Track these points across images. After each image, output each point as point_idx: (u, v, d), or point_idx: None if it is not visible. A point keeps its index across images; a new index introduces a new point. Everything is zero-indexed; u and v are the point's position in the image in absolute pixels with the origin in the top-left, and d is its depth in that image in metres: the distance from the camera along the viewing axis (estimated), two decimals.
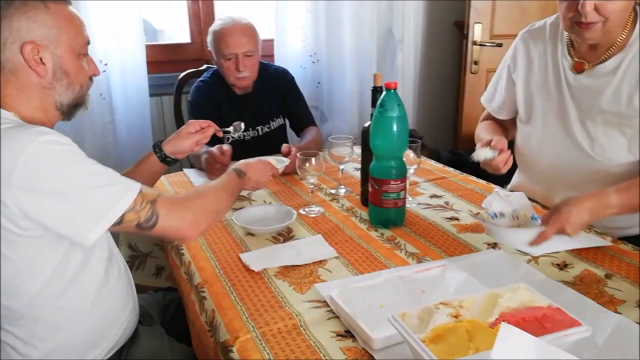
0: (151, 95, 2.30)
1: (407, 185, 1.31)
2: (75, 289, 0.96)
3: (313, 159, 1.34)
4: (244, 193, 1.51)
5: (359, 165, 1.43)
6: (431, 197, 1.48)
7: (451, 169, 1.72)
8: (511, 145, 1.39)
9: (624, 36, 1.21)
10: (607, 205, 1.05)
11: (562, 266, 1.07)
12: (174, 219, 0.95)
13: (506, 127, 1.55)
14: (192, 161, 1.84)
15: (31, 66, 0.93)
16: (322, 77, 2.58)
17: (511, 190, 1.51)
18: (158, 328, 1.14)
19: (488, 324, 0.75)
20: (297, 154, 1.37)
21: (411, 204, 1.41)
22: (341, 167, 1.49)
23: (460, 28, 2.70)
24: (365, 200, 1.39)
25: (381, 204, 1.25)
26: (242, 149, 1.68)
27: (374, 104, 1.26)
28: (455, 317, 0.77)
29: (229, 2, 2.63)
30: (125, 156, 2.26)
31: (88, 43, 1.02)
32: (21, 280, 0.92)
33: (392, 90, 1.20)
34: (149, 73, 2.25)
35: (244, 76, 1.87)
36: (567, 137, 1.33)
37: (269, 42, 2.39)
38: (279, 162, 1.37)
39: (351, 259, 1.13)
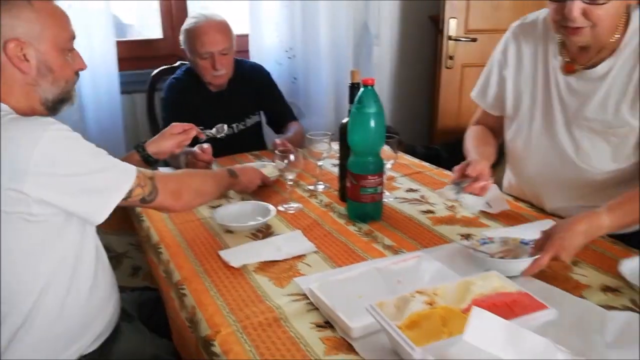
0: (122, 92, 2.25)
1: (384, 180, 1.33)
2: (70, 281, 0.98)
3: (292, 156, 1.35)
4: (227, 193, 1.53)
5: (337, 161, 1.44)
6: (407, 191, 1.51)
7: (427, 164, 1.76)
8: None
9: (617, 37, 1.16)
10: (599, 226, 1.03)
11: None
12: (168, 193, 1.07)
13: (497, 130, 1.48)
14: (169, 161, 1.83)
15: (14, 63, 0.93)
16: (298, 72, 2.58)
17: (505, 191, 1.49)
18: (138, 324, 1.15)
19: (461, 310, 0.78)
20: (276, 151, 1.39)
21: (388, 198, 1.43)
22: (319, 163, 1.51)
23: (436, 23, 2.72)
24: (343, 196, 1.41)
25: (359, 198, 1.27)
26: (217, 147, 1.68)
27: (351, 101, 1.28)
28: (430, 304, 0.80)
29: None
30: None
31: (73, 38, 1.04)
32: (25, 266, 0.95)
33: (370, 87, 1.22)
34: (119, 70, 2.21)
35: (220, 74, 1.87)
36: (552, 141, 1.30)
37: (244, 38, 2.38)
38: (273, 171, 1.42)
39: (330, 253, 1.15)
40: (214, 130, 1.60)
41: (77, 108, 2.16)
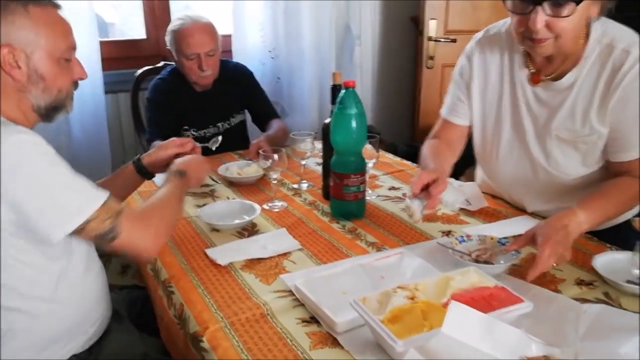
0: (106, 92, 2.25)
1: (367, 179, 1.37)
2: (60, 283, 0.98)
3: (276, 155, 1.37)
4: (205, 189, 1.54)
5: (321, 160, 1.47)
6: (390, 189, 1.55)
7: (409, 162, 1.80)
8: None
9: (579, 46, 1.17)
10: (579, 222, 1.06)
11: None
12: (135, 235, 0.97)
13: (456, 143, 1.44)
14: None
15: (5, 69, 0.93)
16: (281, 72, 2.60)
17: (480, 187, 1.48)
18: (128, 324, 1.16)
19: (441, 304, 0.82)
20: (260, 151, 1.41)
21: (371, 196, 1.47)
22: (303, 162, 1.53)
23: (416, 24, 2.77)
24: (326, 194, 1.44)
25: (342, 197, 1.30)
26: (203, 146, 1.69)
27: (333, 102, 1.31)
28: (412, 299, 0.83)
29: None
30: (80, 156, 2.21)
31: (74, 48, 1.02)
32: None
33: (351, 89, 1.25)
34: (103, 70, 2.20)
35: (206, 75, 1.89)
36: (523, 151, 1.32)
37: (227, 38, 2.39)
38: (258, 170, 1.43)
39: (314, 250, 1.18)
40: (209, 143, 1.67)
41: None
